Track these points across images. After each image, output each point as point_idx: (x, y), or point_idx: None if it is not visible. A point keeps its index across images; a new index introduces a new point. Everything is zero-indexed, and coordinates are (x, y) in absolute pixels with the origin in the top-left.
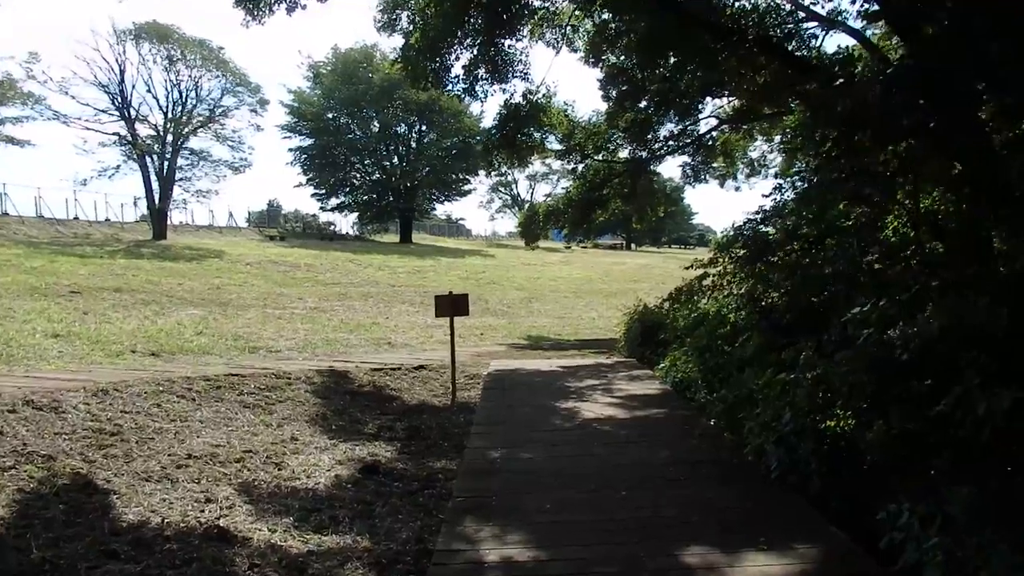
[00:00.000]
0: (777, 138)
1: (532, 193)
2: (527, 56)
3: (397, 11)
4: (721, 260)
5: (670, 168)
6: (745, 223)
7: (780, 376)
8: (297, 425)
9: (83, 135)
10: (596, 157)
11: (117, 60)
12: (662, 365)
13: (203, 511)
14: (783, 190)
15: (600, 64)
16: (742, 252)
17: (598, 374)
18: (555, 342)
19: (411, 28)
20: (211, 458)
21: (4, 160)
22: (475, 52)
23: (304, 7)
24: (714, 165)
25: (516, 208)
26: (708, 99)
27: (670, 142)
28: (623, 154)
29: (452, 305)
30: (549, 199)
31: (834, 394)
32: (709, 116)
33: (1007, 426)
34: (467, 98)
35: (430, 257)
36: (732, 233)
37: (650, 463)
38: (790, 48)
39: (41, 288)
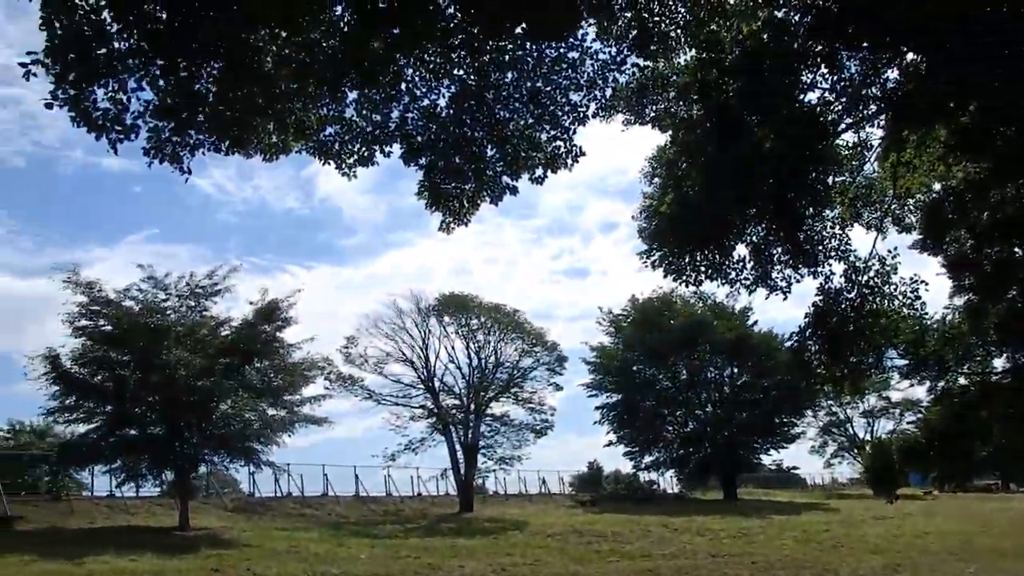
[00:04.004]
0: None
1: (871, 432)
2: (845, 229)
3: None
4: None
5: None
6: None
7: None
8: None
9: (394, 411)
10: (960, 369)
11: (421, 335)
12: None
13: None
14: None
15: (942, 251)
16: None
17: None
18: None
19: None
20: None
21: (326, 443)
22: (763, 229)
23: (512, 190)
24: None
25: (854, 451)
26: None
27: None
28: (998, 362)
29: None
30: (898, 435)
31: None
32: None
33: None
34: (759, 289)
35: (758, 515)
36: None
37: None
38: None
39: None
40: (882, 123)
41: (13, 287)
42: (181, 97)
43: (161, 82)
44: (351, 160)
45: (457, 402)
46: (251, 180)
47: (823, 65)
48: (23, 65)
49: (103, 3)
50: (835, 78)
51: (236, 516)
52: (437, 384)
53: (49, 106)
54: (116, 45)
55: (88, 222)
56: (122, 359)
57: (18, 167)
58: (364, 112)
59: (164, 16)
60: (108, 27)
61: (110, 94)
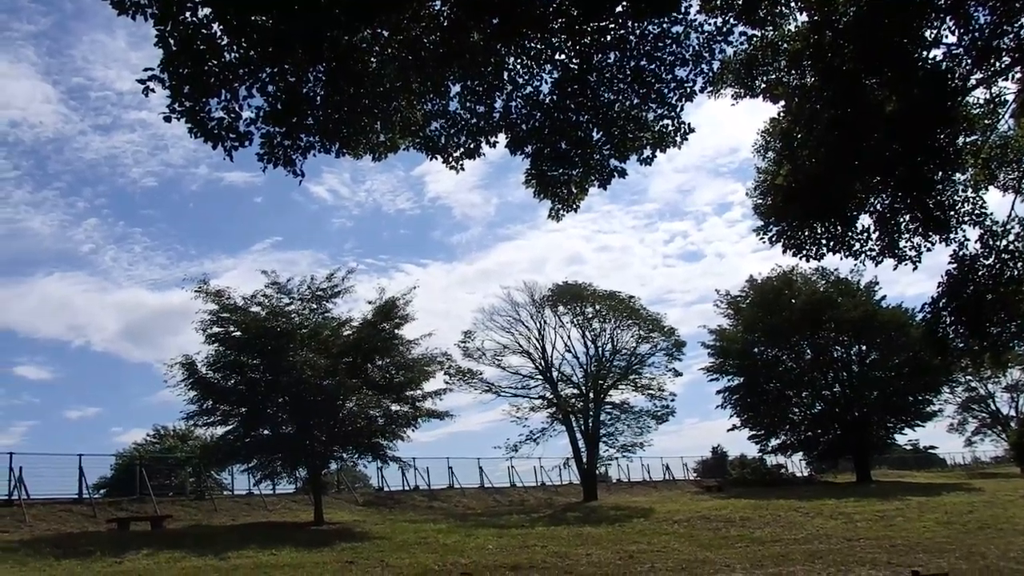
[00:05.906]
0: None
1: (1016, 407)
2: (979, 192)
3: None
4: None
5: None
6: None
7: None
8: None
9: (514, 402)
10: None
11: (537, 326)
12: None
13: None
14: None
15: None
16: None
17: None
18: None
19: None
20: None
21: (450, 437)
22: (887, 197)
23: (620, 173)
24: None
25: (998, 428)
26: None
27: None
28: None
29: None
30: None
31: None
32: None
33: None
34: (885, 260)
35: (895, 497)
36: None
37: None
38: None
39: (433, 571)
40: (1017, 76)
41: (151, 301)
42: (290, 102)
43: (270, 88)
44: (457, 153)
45: (576, 391)
46: (364, 184)
47: (947, 18)
48: (141, 82)
49: (213, 17)
50: (961, 31)
51: (367, 510)
52: (555, 374)
53: (168, 119)
54: (226, 56)
55: (215, 234)
56: (252, 362)
57: (149, 186)
58: (468, 104)
59: (270, 24)
60: (219, 40)
61: (223, 103)
